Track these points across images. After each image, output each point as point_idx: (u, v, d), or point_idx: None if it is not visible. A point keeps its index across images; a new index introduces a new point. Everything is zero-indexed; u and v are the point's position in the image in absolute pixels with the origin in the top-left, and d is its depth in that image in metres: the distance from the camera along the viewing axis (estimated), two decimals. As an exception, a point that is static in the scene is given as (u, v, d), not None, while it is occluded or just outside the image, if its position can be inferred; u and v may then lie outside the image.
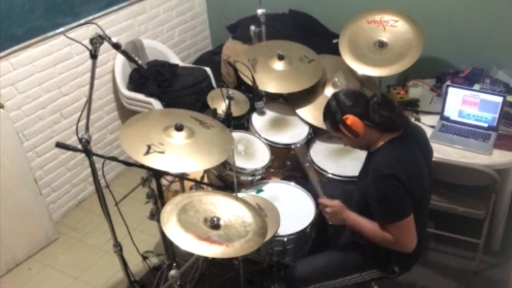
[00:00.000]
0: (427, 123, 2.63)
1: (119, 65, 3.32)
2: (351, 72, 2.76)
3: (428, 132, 2.50)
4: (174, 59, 3.60)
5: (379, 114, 1.85)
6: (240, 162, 2.33)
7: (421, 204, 1.90)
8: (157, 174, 2.17)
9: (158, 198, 2.27)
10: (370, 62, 2.67)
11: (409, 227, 1.84)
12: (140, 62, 2.02)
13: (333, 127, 1.96)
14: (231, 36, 3.55)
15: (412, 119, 2.66)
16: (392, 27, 2.71)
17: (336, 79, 2.67)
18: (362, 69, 2.67)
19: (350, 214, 1.98)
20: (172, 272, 1.80)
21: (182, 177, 2.30)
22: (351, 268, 2.04)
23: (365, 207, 1.91)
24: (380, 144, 1.89)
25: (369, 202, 1.88)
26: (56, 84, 3.00)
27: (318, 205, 2.10)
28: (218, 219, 1.75)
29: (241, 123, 2.66)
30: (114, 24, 3.28)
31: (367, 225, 1.92)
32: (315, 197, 2.19)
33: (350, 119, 1.86)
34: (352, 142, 1.97)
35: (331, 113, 1.93)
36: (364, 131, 1.88)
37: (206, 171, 2.35)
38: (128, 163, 2.13)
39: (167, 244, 2.48)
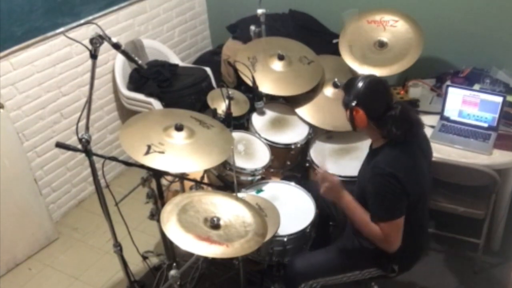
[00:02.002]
0: (427, 123, 2.61)
1: (119, 65, 3.32)
2: (352, 72, 2.76)
3: (428, 132, 2.50)
4: (174, 59, 3.60)
5: (389, 129, 1.83)
6: (240, 162, 2.33)
7: (419, 205, 1.90)
8: (157, 174, 2.17)
9: (158, 198, 2.27)
10: (370, 62, 2.67)
11: (397, 228, 1.83)
12: (140, 62, 2.02)
13: (343, 102, 1.93)
14: (231, 36, 3.55)
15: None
16: (392, 27, 2.71)
17: (336, 79, 2.68)
18: (362, 69, 2.67)
19: (346, 196, 1.92)
20: (172, 272, 1.80)
21: (182, 177, 2.30)
22: (351, 265, 2.04)
23: (364, 203, 1.90)
24: (383, 143, 1.89)
25: (366, 198, 1.88)
26: (56, 84, 3.00)
27: (315, 173, 2.05)
28: (218, 219, 1.75)
29: (241, 123, 2.66)
30: (114, 24, 3.28)
31: (359, 213, 1.88)
32: (318, 199, 2.20)
33: (359, 114, 1.85)
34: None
35: (350, 92, 1.88)
36: (364, 129, 1.89)
37: (206, 171, 2.35)
38: (128, 163, 2.13)
39: (167, 244, 2.48)
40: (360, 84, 1.86)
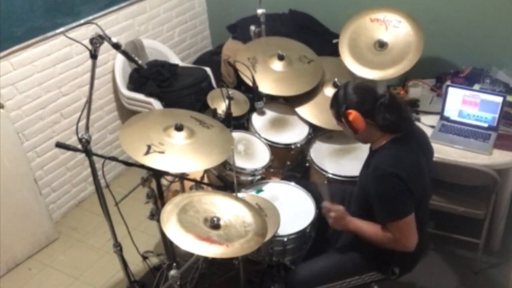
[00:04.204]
0: (427, 123, 2.63)
1: (119, 65, 3.32)
2: (351, 73, 2.75)
3: (428, 132, 2.50)
4: (174, 59, 3.60)
5: (383, 117, 1.84)
6: (240, 162, 2.33)
7: (421, 205, 1.89)
8: (157, 174, 2.17)
9: (158, 198, 2.27)
10: (368, 64, 2.66)
11: (410, 225, 1.83)
12: (140, 62, 2.02)
13: (336, 117, 1.96)
14: (231, 36, 3.55)
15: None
16: (394, 27, 2.69)
17: (336, 79, 2.68)
18: (360, 70, 2.66)
19: (352, 220, 1.98)
20: (172, 272, 1.80)
21: (182, 177, 2.30)
22: (351, 271, 2.04)
23: (365, 206, 1.90)
24: (383, 143, 1.89)
25: (370, 201, 1.88)
26: (56, 84, 3.00)
27: (321, 208, 2.10)
28: (218, 219, 1.75)
29: (241, 123, 2.66)
30: (114, 24, 3.28)
31: (369, 229, 1.92)
32: (318, 199, 2.20)
33: (353, 115, 1.85)
34: (352, 135, 1.97)
35: (337, 103, 1.92)
36: (364, 129, 1.88)
37: (206, 171, 2.35)
38: (128, 163, 2.13)
39: (167, 244, 2.48)
40: (342, 91, 1.91)
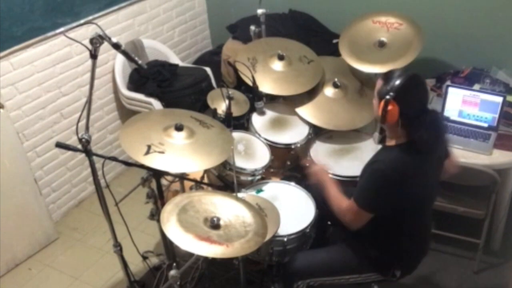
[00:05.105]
0: (427, 123, 2.63)
1: (119, 65, 3.32)
2: (352, 72, 2.76)
3: (428, 132, 2.50)
4: (174, 59, 3.60)
5: (419, 134, 1.75)
6: (240, 162, 2.33)
7: (422, 209, 1.90)
8: (157, 174, 2.17)
9: (158, 198, 2.27)
10: (366, 60, 2.65)
11: (360, 217, 1.85)
12: (140, 62, 2.02)
13: (378, 93, 1.82)
14: (231, 36, 3.55)
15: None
16: (396, 30, 2.69)
17: (336, 79, 2.68)
18: (358, 66, 2.66)
19: (327, 180, 2.04)
20: (172, 272, 1.80)
21: (182, 177, 2.30)
22: (351, 268, 2.03)
23: None
24: (394, 143, 1.85)
25: None
26: (56, 84, 3.00)
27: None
28: (218, 219, 1.75)
29: (241, 123, 2.66)
30: (114, 24, 3.28)
31: (333, 193, 1.98)
32: (318, 199, 2.20)
33: (393, 108, 1.73)
34: (377, 117, 1.86)
35: (389, 85, 1.76)
36: (392, 125, 1.79)
37: (206, 171, 2.35)
38: (128, 163, 2.13)
39: (167, 244, 2.48)
40: (402, 79, 1.75)
